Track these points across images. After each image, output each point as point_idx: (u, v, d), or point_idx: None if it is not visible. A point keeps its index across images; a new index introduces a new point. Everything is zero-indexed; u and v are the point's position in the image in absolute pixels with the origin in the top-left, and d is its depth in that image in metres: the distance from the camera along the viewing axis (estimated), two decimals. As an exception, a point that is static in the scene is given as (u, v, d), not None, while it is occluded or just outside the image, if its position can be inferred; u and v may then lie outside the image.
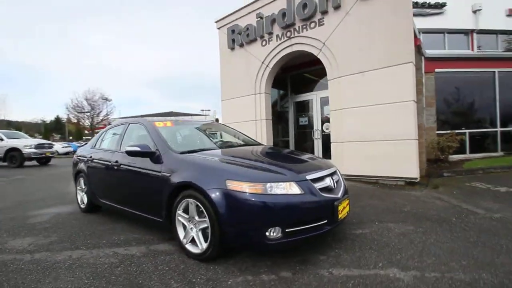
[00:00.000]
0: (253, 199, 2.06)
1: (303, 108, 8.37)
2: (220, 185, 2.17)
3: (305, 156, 2.99)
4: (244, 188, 2.10)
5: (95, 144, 4.17)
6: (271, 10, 6.91)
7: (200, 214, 2.33)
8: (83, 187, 4.15)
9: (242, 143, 3.67)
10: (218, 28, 8.37)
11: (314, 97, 7.96)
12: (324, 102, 7.76)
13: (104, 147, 3.92)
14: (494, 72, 9.01)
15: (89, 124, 23.10)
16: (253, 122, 7.49)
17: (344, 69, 5.80)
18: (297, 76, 8.52)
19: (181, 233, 2.49)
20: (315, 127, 7.88)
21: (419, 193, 4.50)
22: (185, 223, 2.45)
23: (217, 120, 46.46)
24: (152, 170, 2.77)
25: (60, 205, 4.72)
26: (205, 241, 2.29)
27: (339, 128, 5.97)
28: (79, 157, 4.39)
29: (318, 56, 6.30)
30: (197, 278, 2.04)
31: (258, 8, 7.21)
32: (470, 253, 2.26)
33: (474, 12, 12.91)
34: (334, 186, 2.46)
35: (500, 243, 2.43)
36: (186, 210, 2.46)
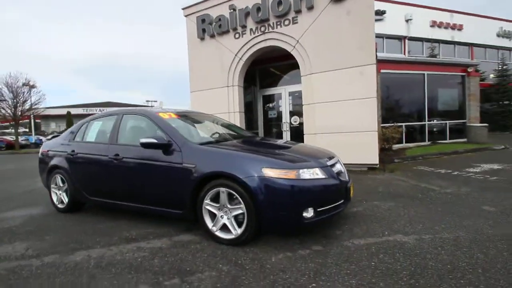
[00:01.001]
0: (289, 184, 2.29)
1: (272, 101, 8.75)
2: (257, 173, 2.33)
3: (311, 146, 3.32)
4: (280, 174, 2.32)
5: (75, 137, 3.79)
6: (245, 3, 6.99)
7: (232, 201, 2.46)
8: (61, 185, 3.76)
9: (247, 134, 3.81)
10: (186, 16, 8.06)
11: (282, 91, 8.39)
12: (293, 96, 8.27)
13: (91, 140, 3.61)
14: (424, 74, 10.77)
15: (11, 114, 19.46)
16: (227, 114, 7.55)
17: (316, 66, 6.32)
18: (266, 70, 8.81)
19: (208, 221, 2.57)
20: (283, 120, 8.35)
21: (382, 176, 5.30)
22: (214, 211, 2.54)
23: (165, 111, 43.56)
24: (170, 162, 2.74)
25: (27, 206, 4.20)
26: (239, 227, 2.43)
27: (311, 121, 6.50)
28: (51, 152, 3.93)
29: (292, 53, 6.68)
30: (241, 259, 2.20)
31: (230, 0, 7.21)
32: (444, 219, 2.91)
33: (407, 21, 15.06)
34: (343, 170, 2.85)
35: (460, 210, 3.17)
36: (214, 199, 2.54)
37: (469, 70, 11.35)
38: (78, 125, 3.93)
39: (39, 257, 2.38)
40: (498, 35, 17.15)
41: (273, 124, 8.72)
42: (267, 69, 8.81)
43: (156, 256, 2.30)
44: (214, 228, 2.54)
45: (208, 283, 1.88)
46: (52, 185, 3.87)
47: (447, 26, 15.89)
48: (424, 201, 3.60)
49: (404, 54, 15.07)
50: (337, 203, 2.53)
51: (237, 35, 7.29)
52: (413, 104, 11.01)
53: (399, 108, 10.78)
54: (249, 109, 9.08)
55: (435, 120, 10.81)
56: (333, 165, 2.71)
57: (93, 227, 3.13)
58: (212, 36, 7.60)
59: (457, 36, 16.15)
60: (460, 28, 16.10)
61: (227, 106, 7.58)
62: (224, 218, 2.51)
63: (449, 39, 16.09)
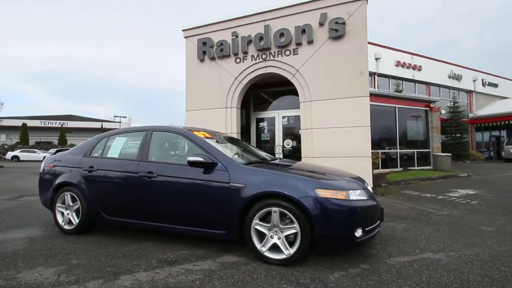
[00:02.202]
0: (342, 204, 2.45)
1: (265, 124, 9.03)
2: (311, 193, 2.46)
3: (339, 169, 3.54)
4: (332, 195, 2.47)
5: (91, 152, 3.59)
6: (247, 32, 7.39)
7: (284, 221, 2.53)
8: (71, 203, 3.48)
9: (271, 156, 3.94)
10: (186, 37, 8.22)
11: (276, 115, 8.74)
12: (286, 120, 8.65)
13: (113, 156, 3.45)
14: (395, 107, 11.98)
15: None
16: (224, 135, 7.59)
17: (315, 95, 6.79)
18: (260, 94, 9.16)
19: (256, 242, 2.59)
20: (276, 143, 8.61)
21: (379, 199, 5.69)
22: (264, 231, 2.58)
23: (134, 128, 41.69)
24: (216, 181, 2.76)
25: (18, 228, 3.79)
26: (290, 247, 2.49)
27: (309, 145, 6.84)
28: (59, 167, 3.66)
29: (292, 80, 7.12)
30: (301, 279, 2.25)
31: (233, 27, 7.57)
32: (455, 238, 3.25)
33: (376, 59, 16.82)
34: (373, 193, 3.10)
35: (463, 230, 3.56)
36: (263, 219, 2.59)
37: (431, 105, 12.92)
38: (94, 140, 3.74)
39: (80, 283, 2.18)
40: (449, 77, 19.87)
41: (266, 147, 8.93)
42: (262, 93, 9.17)
43: (213, 279, 2.25)
44: (263, 249, 2.56)
45: (284, 302, 1.90)
46: (58, 204, 3.56)
47: (409, 66, 18.08)
48: (429, 222, 3.97)
49: (374, 88, 16.66)
50: (377, 223, 2.73)
51: (238, 60, 7.59)
52: (386, 133, 12.08)
53: (375, 137, 11.74)
54: (242, 131, 9.22)
55: (404, 149, 11.93)
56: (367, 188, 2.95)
57: (118, 249, 2.93)
58: (213, 58, 7.81)
59: (417, 75, 18.39)
60: (419, 68, 18.40)
61: (224, 126, 7.66)
62: (274, 238, 2.56)
63: (410, 77, 18.24)
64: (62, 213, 3.55)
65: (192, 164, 2.78)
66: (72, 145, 34.08)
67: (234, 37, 7.51)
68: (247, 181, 2.68)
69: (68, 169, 3.59)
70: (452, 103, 18.14)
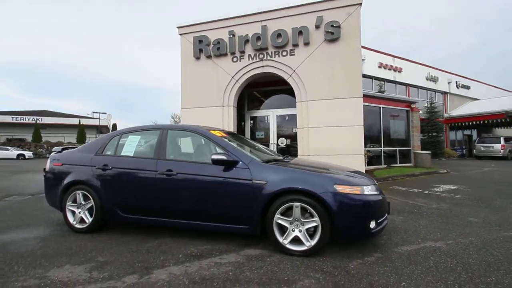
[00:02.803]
0: (358, 199, 2.67)
1: (259, 123, 9.18)
2: (331, 189, 2.66)
3: (347, 166, 3.78)
4: (349, 190, 2.69)
5: (103, 151, 3.59)
6: (245, 32, 7.49)
7: (304, 215, 2.71)
8: (83, 202, 3.47)
9: (277, 153, 4.10)
10: (181, 34, 8.18)
11: (270, 113, 8.91)
12: (280, 119, 8.85)
13: (128, 154, 3.47)
14: (380, 107, 12.55)
15: None
16: (221, 133, 7.67)
17: (311, 95, 7.03)
18: (255, 92, 9.29)
19: (278, 235, 2.76)
20: (271, 141, 8.80)
21: (371, 194, 6.05)
22: (286, 225, 2.75)
23: (115, 124, 40.46)
24: (238, 179, 2.89)
25: (22, 227, 3.72)
26: (311, 239, 2.68)
27: (305, 143, 7.09)
28: (69, 165, 3.63)
29: (288, 80, 7.32)
30: (324, 267, 2.45)
31: (230, 26, 7.63)
32: (449, 228, 3.60)
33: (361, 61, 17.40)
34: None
35: (454, 221, 3.93)
36: (284, 213, 2.76)
37: (412, 106, 13.65)
38: (105, 138, 3.72)
39: (115, 278, 2.24)
40: (427, 79, 21.01)
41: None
42: (256, 92, 9.31)
43: (244, 270, 2.39)
44: (285, 241, 2.73)
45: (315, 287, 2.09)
46: (69, 203, 3.53)
47: (390, 68, 18.91)
48: (422, 215, 4.32)
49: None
50: (385, 216, 2.98)
51: (235, 59, 7.67)
52: (371, 132, 12.64)
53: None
54: (237, 129, 9.33)
55: (387, 147, 12.56)
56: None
57: (140, 246, 2.98)
58: (209, 57, 7.84)
59: (397, 77, 19.29)
60: (400, 70, 19.31)
61: (221, 125, 7.73)
62: (295, 231, 2.73)
63: (391, 78, 19.10)
64: (73, 212, 3.52)
65: (216, 162, 2.89)
66: (47, 142, 32.42)
67: (231, 36, 7.57)
68: (268, 178, 2.83)
69: (79, 167, 3.56)
70: (429, 104, 19.22)
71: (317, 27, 6.91)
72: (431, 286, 2.13)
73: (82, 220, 3.47)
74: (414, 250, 2.86)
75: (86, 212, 3.47)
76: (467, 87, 24.21)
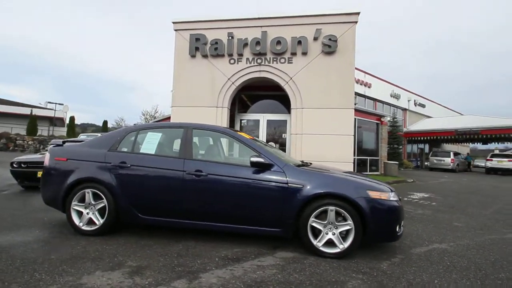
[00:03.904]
0: (388, 204, 2.88)
1: (250, 126, 9.21)
2: (364, 194, 2.83)
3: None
4: (379, 196, 2.88)
5: (118, 147, 3.35)
6: (244, 35, 7.53)
7: (337, 218, 2.84)
8: (93, 202, 3.20)
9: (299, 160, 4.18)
10: (176, 30, 7.93)
11: (261, 118, 9.01)
12: (269, 124, 8.99)
13: (149, 152, 3.28)
14: (356, 118, 13.36)
15: None
16: (213, 134, 7.55)
17: (306, 103, 7.30)
18: (246, 96, 9.32)
19: (312, 238, 2.84)
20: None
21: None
22: (320, 228, 2.84)
23: (72, 117, 37.34)
24: (273, 182, 2.92)
25: (17, 230, 3.33)
26: (344, 241, 2.81)
27: (298, 148, 7.31)
28: (76, 161, 3.33)
29: (284, 87, 7.51)
30: (362, 269, 2.59)
31: (230, 28, 7.62)
32: (442, 232, 4.01)
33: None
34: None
35: (443, 226, 4.38)
36: (318, 217, 2.86)
37: (382, 119, 14.81)
38: (119, 134, 3.47)
39: (163, 284, 2.12)
40: (391, 95, 22.97)
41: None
42: (247, 96, 9.34)
43: (289, 272, 2.42)
44: (319, 244, 2.82)
45: (366, 287, 2.21)
46: (74, 202, 3.22)
47: (362, 83, 20.33)
48: (414, 219, 4.74)
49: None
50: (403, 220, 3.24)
51: (232, 61, 7.65)
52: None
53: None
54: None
55: (360, 156, 13.45)
56: (390, 190, 3.46)
57: (166, 249, 2.84)
58: (205, 56, 7.71)
59: (367, 92, 20.79)
60: (369, 86, 20.85)
61: (214, 126, 7.60)
62: (329, 234, 2.84)
63: (362, 93, 20.53)
64: (79, 213, 3.22)
65: (254, 164, 2.89)
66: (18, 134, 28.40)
67: (230, 37, 7.56)
68: (304, 182, 2.90)
69: (90, 163, 3.27)
70: (392, 118, 21.01)
71: (316, 39, 7.23)
72: (459, 282, 2.39)
73: (90, 222, 3.19)
74: (427, 251, 3.15)
75: (97, 213, 3.19)
76: (423, 106, 26.97)
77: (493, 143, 24.41)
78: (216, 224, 3.01)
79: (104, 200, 3.15)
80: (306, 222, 2.83)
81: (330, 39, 7.10)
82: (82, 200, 3.24)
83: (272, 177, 2.93)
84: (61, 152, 3.44)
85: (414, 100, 25.77)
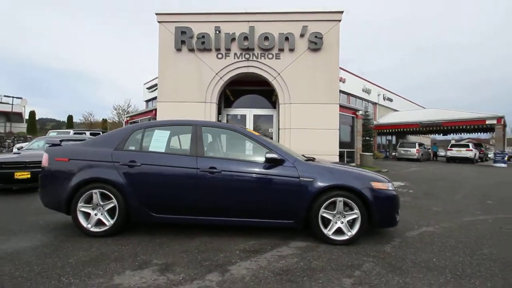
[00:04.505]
0: (389, 194, 3.17)
1: (236, 121, 9.24)
2: (368, 185, 3.09)
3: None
4: (381, 186, 3.16)
5: (124, 145, 3.28)
6: (232, 29, 7.50)
7: (344, 208, 3.07)
8: (101, 203, 3.14)
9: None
10: (160, 22, 7.66)
11: (247, 113, 9.09)
12: (256, 118, 9.11)
13: (158, 150, 3.25)
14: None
15: None
16: (203, 130, 7.50)
17: (294, 98, 7.51)
18: (232, 91, 9.31)
19: (322, 227, 3.05)
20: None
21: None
22: (330, 217, 3.06)
23: (33, 112, 34.66)
24: (285, 176, 3.07)
25: (15, 235, 3.18)
26: (351, 229, 3.06)
27: (287, 143, 7.52)
28: (80, 161, 3.22)
29: (273, 83, 7.64)
30: (369, 252, 2.85)
31: (216, 22, 7.53)
32: (428, 216, 4.47)
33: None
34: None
35: (426, 211, 4.86)
36: (328, 207, 3.07)
37: (357, 113, 15.61)
38: (124, 132, 3.39)
39: (198, 278, 2.19)
40: (363, 90, 24.15)
41: (235, 143, 9.17)
42: (232, 91, 9.33)
43: (310, 260, 2.61)
44: (329, 232, 3.05)
45: (381, 269, 2.46)
46: (81, 204, 3.12)
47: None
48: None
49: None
50: (398, 208, 3.58)
51: (220, 56, 7.60)
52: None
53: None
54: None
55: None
56: (385, 181, 3.78)
57: (184, 246, 2.89)
58: (191, 50, 7.57)
59: (342, 86, 21.65)
60: (344, 80, 21.72)
61: (203, 121, 7.55)
62: (338, 223, 3.07)
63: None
64: (87, 214, 3.13)
65: (269, 160, 3.01)
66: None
67: (217, 32, 7.49)
68: (314, 175, 3.09)
69: (96, 163, 3.17)
70: (364, 112, 22.17)
71: (302, 35, 7.42)
72: (452, 258, 2.74)
73: (99, 223, 3.11)
74: (418, 234, 3.52)
75: (106, 214, 3.12)
76: (391, 100, 28.72)
77: (451, 134, 26.81)
78: (231, 219, 3.10)
79: (114, 200, 3.09)
80: (317, 213, 3.03)
81: (316, 37, 7.33)
82: (88, 201, 3.14)
83: (285, 172, 3.08)
84: (61, 152, 3.28)
85: (383, 95, 27.33)
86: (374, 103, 26.56)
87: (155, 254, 2.65)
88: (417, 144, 21.88)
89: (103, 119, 36.73)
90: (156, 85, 25.73)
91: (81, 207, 3.11)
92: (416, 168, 14.60)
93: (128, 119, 20.53)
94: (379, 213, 3.08)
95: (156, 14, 7.64)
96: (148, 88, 26.50)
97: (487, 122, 18.82)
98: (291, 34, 7.35)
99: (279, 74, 7.55)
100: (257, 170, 3.09)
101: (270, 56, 7.55)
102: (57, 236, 3.12)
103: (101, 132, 13.35)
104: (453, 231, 3.70)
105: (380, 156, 23.96)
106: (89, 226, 3.10)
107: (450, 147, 21.65)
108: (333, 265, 2.51)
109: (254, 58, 7.56)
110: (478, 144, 23.89)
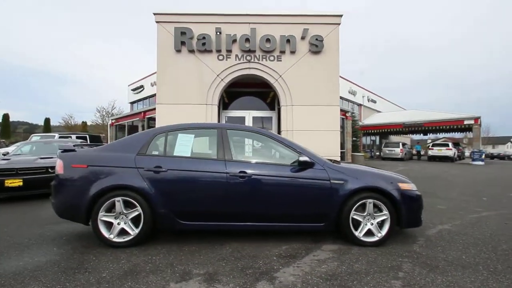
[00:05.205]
0: (415, 194, 3.25)
1: (235, 123, 9.14)
2: (397, 187, 3.15)
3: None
4: (407, 187, 3.23)
5: (147, 150, 3.14)
6: (233, 31, 7.43)
7: (374, 209, 3.11)
8: (124, 211, 2.98)
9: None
10: (158, 22, 7.44)
11: (247, 115, 9.03)
12: (255, 120, 9.07)
13: (184, 155, 3.13)
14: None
15: None
16: (204, 132, 7.36)
17: (296, 100, 7.55)
18: (231, 92, 9.21)
19: (353, 229, 3.07)
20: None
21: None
22: (360, 219, 3.08)
23: (6, 115, 32.64)
24: (319, 180, 3.06)
25: (29, 249, 2.97)
26: (380, 230, 3.09)
27: (289, 145, 7.55)
28: (99, 167, 3.05)
29: (274, 85, 7.65)
30: (401, 253, 2.90)
31: (217, 23, 7.43)
32: (436, 215, 4.63)
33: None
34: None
35: (432, 209, 5.04)
36: (358, 209, 3.09)
37: (347, 115, 15.98)
38: (146, 136, 3.25)
39: (248, 286, 2.12)
40: (349, 92, 24.79)
41: (235, 145, 9.07)
42: (230, 92, 9.24)
43: (350, 263, 2.61)
44: (360, 234, 3.07)
45: (420, 269, 2.51)
46: (102, 213, 2.94)
47: (324, 79, 21.56)
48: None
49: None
50: (418, 207, 3.67)
51: (221, 57, 7.50)
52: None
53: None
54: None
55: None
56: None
57: (217, 253, 2.81)
58: (192, 51, 7.41)
59: (329, 88, 22.15)
60: (331, 83, 22.20)
61: (204, 124, 7.41)
62: (368, 225, 3.10)
63: (325, 89, 21.80)
64: (108, 224, 2.95)
65: (302, 163, 2.99)
66: None
67: (218, 33, 7.39)
68: (344, 177, 3.11)
69: (118, 169, 3.01)
70: (351, 113, 22.76)
71: (303, 38, 7.49)
72: (480, 255, 2.85)
73: (123, 232, 2.95)
74: (437, 232, 3.64)
75: (130, 222, 2.96)
76: (374, 101, 29.70)
77: (431, 134, 28.12)
78: (262, 223, 3.04)
79: (139, 208, 2.94)
80: (348, 215, 3.04)
81: (316, 39, 7.43)
82: (109, 209, 2.97)
83: (316, 175, 3.07)
84: (78, 158, 3.08)
85: (368, 96, 28.21)
86: (359, 105, 27.34)
87: (192, 264, 2.54)
88: (401, 144, 22.73)
89: (83, 122, 35.24)
90: (141, 86, 25.04)
91: (102, 216, 2.94)
92: (403, 167, 15.14)
93: (113, 121, 19.78)
94: (407, 213, 3.14)
95: (154, 14, 7.41)
96: (133, 90, 25.70)
97: (465, 122, 19.91)
98: (292, 37, 7.40)
99: (280, 76, 7.57)
100: (287, 173, 3.06)
101: (271, 58, 7.55)
102: (76, 248, 2.92)
103: (87, 136, 12.74)
104: (466, 228, 3.85)
105: (366, 156, 24.66)
106: (111, 236, 2.92)
107: (431, 146, 22.68)
108: (375, 267, 2.52)
109: (256, 60, 7.53)
110: (456, 143, 25.22)
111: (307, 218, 3.07)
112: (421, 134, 29.39)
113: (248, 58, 7.56)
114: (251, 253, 2.81)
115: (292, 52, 7.54)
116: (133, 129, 19.28)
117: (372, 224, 3.10)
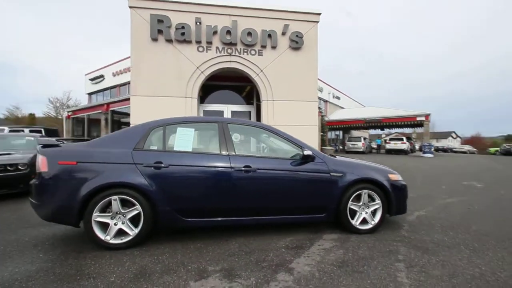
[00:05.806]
0: (401, 184, 3.54)
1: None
2: (387, 178, 3.40)
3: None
4: (395, 178, 3.51)
5: (144, 145, 2.96)
6: (213, 22, 7.21)
7: (368, 199, 3.33)
8: (122, 210, 2.80)
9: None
10: (131, 7, 6.91)
11: (225, 109, 8.89)
12: (234, 115, 8.98)
13: (185, 149, 3.01)
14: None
15: None
16: (184, 126, 7.09)
17: (277, 95, 7.63)
18: (209, 86, 8.95)
19: (350, 218, 3.26)
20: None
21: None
22: (356, 209, 3.28)
23: None
24: (318, 172, 3.18)
25: (23, 254, 2.65)
26: (373, 219, 3.33)
27: (270, 139, 7.63)
28: (95, 164, 2.81)
29: (255, 79, 7.62)
30: (395, 238, 3.16)
31: (197, 12, 7.15)
32: (412, 202, 5.07)
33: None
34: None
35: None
36: (354, 199, 3.29)
37: (318, 111, 16.59)
38: (142, 130, 3.04)
39: (268, 281, 2.15)
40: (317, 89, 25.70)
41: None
42: (211, 86, 8.99)
43: (354, 250, 2.77)
44: (357, 223, 3.27)
45: (415, 251, 2.76)
46: (96, 213, 2.72)
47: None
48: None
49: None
50: (400, 196, 4.00)
51: (201, 49, 7.25)
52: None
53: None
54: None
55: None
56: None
57: (225, 249, 2.78)
58: (169, 40, 7.04)
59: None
60: (300, 79, 22.81)
61: (184, 117, 7.13)
62: (363, 214, 3.32)
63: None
64: (104, 224, 2.74)
65: (305, 157, 3.07)
66: None
67: (198, 23, 7.12)
68: (342, 170, 3.27)
69: (113, 166, 2.78)
70: (320, 109, 23.71)
71: (284, 34, 7.57)
72: (458, 236, 3.22)
73: (120, 233, 2.76)
74: (416, 218, 4.02)
75: (128, 222, 2.78)
76: (338, 98, 31.25)
77: (388, 129, 30.56)
78: (268, 217, 3.07)
79: (138, 206, 2.76)
80: (345, 205, 3.22)
81: (297, 36, 7.56)
82: (104, 209, 2.75)
83: (317, 168, 3.18)
84: (66, 154, 2.78)
85: (332, 93, 29.57)
86: (325, 101, 28.54)
87: (203, 261, 2.48)
88: (362, 139, 24.37)
89: (30, 114, 31.55)
90: (101, 76, 23.14)
91: (97, 217, 2.71)
92: (367, 160, 16.28)
93: (70, 114, 18.05)
94: (396, 202, 3.41)
95: (128, -2, 6.88)
96: (91, 80, 23.64)
97: (418, 118, 21.99)
98: (273, 32, 7.43)
99: (262, 70, 7.58)
100: (290, 167, 3.12)
101: (253, 52, 7.51)
102: (67, 253, 2.66)
103: (43, 129, 11.47)
104: (440, 213, 4.31)
105: (332, 150, 25.98)
106: (107, 238, 2.71)
107: (388, 140, 24.68)
108: (377, 252, 2.72)
109: (237, 54, 7.43)
110: (408, 138, 27.77)
111: (311, 210, 3.18)
112: (379, 129, 31.76)
113: (229, 51, 7.42)
114: (259, 247, 2.82)
115: (273, 47, 7.58)
116: (94, 122, 17.79)
117: (366, 213, 3.32)
